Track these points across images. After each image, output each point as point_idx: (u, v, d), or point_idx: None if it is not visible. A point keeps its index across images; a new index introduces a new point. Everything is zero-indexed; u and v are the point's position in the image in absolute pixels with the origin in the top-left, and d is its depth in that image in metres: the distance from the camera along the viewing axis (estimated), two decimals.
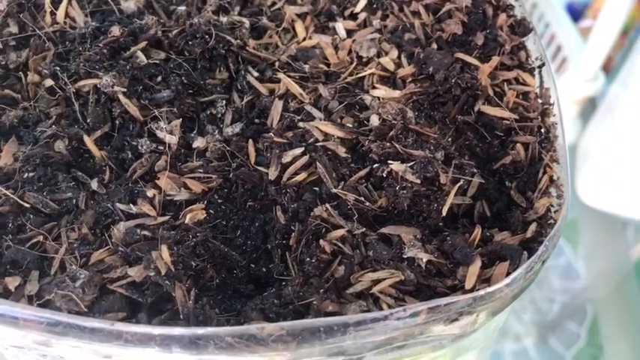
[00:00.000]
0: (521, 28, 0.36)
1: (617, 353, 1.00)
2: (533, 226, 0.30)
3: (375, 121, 0.32)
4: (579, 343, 1.11)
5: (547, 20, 1.10)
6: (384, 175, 0.30)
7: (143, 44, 0.34)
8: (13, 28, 0.35)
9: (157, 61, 0.34)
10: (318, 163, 0.31)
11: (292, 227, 0.30)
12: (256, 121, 0.34)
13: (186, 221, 0.29)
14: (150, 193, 0.30)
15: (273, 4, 0.38)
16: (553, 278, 1.27)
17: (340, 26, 0.36)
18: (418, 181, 0.29)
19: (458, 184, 0.30)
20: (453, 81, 0.33)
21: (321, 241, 0.28)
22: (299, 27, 0.37)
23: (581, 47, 0.99)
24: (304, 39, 0.37)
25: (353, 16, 0.38)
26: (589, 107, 1.04)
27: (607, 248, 1.08)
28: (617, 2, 0.83)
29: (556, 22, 1.07)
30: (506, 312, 0.31)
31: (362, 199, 0.30)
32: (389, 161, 0.29)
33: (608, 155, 0.96)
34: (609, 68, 1.11)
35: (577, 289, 1.13)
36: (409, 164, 0.29)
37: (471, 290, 0.27)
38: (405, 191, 0.29)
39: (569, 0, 1.19)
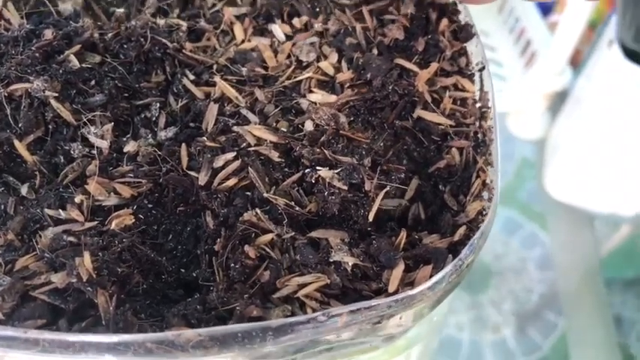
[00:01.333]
0: (463, 33, 0.36)
1: (583, 348, 1.02)
2: (461, 230, 0.30)
3: (309, 126, 0.32)
4: (557, 332, 1.13)
5: (517, 15, 1.11)
6: (314, 182, 0.30)
7: (77, 48, 0.33)
8: None
9: (91, 65, 0.34)
10: (250, 167, 0.31)
11: (222, 232, 0.30)
12: (191, 124, 0.34)
13: (112, 227, 0.29)
14: (78, 198, 0.30)
15: (213, 5, 0.38)
16: (531, 268, 1.28)
17: (277, 29, 0.36)
18: (345, 188, 0.29)
19: (384, 190, 0.30)
20: (390, 87, 0.33)
21: (246, 247, 0.28)
22: (237, 29, 0.37)
23: (549, 42, 0.99)
24: (243, 41, 0.36)
25: (293, 18, 0.37)
26: (558, 101, 1.04)
27: (575, 242, 1.09)
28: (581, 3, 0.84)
29: (525, 17, 1.08)
30: (444, 305, 0.32)
31: (292, 203, 0.30)
32: (317, 167, 0.30)
33: (575, 149, 0.97)
34: (578, 62, 1.12)
35: (555, 279, 1.14)
36: (336, 171, 0.29)
37: (394, 293, 0.27)
38: (333, 197, 0.29)
39: None
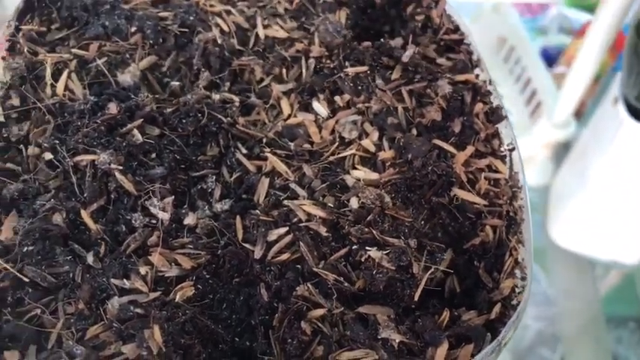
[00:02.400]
0: (495, 116, 0.39)
1: None
2: (497, 307, 0.32)
3: (354, 203, 0.34)
4: None
5: (523, 64, 1.14)
6: (362, 260, 0.32)
7: (139, 122, 0.36)
8: (15, 101, 0.37)
9: (151, 138, 0.36)
10: (301, 242, 0.33)
11: (275, 304, 0.32)
12: (244, 196, 0.36)
13: (176, 299, 0.31)
14: (142, 270, 0.32)
15: (262, 80, 0.41)
16: (528, 305, 1.30)
17: (319, 106, 0.39)
18: (393, 268, 0.31)
19: (429, 272, 0.32)
20: (430, 169, 0.35)
21: (302, 323, 0.30)
22: (284, 104, 0.39)
23: (554, 93, 1.03)
24: (289, 116, 0.39)
25: (335, 95, 0.40)
26: (562, 151, 1.08)
27: (576, 286, 1.11)
28: (587, 62, 0.87)
29: (532, 67, 1.11)
30: None
31: (341, 279, 0.32)
32: (367, 247, 0.32)
33: (578, 199, 1.00)
34: (582, 113, 1.15)
35: (551, 316, 1.16)
36: (385, 252, 0.32)
37: None
38: (381, 275, 0.32)
39: (544, 45, 1.24)
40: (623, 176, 0.91)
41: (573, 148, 1.03)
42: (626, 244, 0.99)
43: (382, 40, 0.42)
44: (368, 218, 0.33)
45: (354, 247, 0.33)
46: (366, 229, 0.33)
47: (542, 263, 1.16)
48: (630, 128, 0.83)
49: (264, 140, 0.38)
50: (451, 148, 0.37)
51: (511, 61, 1.18)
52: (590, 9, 1.17)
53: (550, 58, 1.22)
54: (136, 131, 0.35)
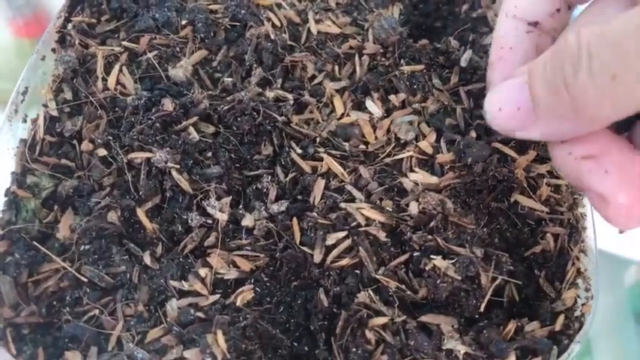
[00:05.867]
0: None
1: None
2: (561, 319, 0.32)
3: (414, 208, 0.33)
4: None
5: None
6: (424, 267, 0.31)
7: (194, 119, 0.35)
8: (68, 95, 0.37)
9: (207, 136, 0.35)
10: (360, 247, 0.32)
11: (335, 310, 0.31)
12: (299, 197, 0.35)
13: (237, 303, 0.30)
14: (202, 272, 0.31)
15: (314, 76, 0.40)
16: None
17: (372, 105, 0.38)
18: (459, 278, 0.31)
19: (495, 282, 0.31)
20: (491, 174, 0.34)
21: (367, 332, 0.29)
22: (337, 102, 0.38)
23: None
24: (342, 115, 0.38)
25: (390, 94, 0.39)
26: None
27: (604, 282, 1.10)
28: None
29: None
30: None
31: (403, 286, 0.31)
32: (431, 256, 0.31)
33: None
34: None
35: None
36: (452, 261, 0.31)
37: None
38: (445, 285, 0.31)
39: None
40: None
41: None
42: None
43: (435, 40, 0.41)
44: (430, 225, 0.33)
45: (416, 254, 0.32)
46: (429, 237, 0.32)
47: None
48: None
49: (318, 140, 0.37)
50: (512, 152, 0.36)
51: None
52: None
53: None
54: (192, 129, 0.35)
